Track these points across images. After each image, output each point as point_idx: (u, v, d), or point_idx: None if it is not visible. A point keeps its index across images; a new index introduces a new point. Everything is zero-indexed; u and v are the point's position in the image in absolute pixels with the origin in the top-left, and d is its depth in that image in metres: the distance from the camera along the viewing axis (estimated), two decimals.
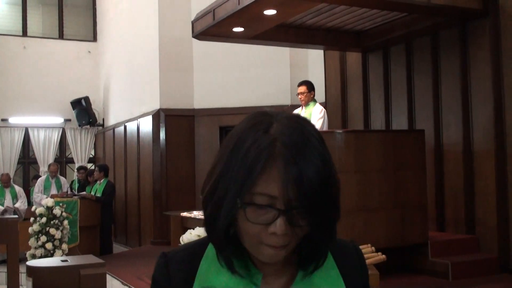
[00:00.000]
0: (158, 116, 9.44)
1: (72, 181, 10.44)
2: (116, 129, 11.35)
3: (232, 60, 9.40)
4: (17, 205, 9.22)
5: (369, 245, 3.82)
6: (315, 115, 6.14)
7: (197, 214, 6.02)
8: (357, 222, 5.31)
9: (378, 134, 5.86)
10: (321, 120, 6.08)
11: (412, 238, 5.55)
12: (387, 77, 7.24)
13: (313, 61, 8.94)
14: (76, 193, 9.03)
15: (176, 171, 9.38)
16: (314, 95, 6.35)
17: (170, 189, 9.31)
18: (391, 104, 7.16)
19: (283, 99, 8.84)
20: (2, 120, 11.94)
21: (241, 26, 6.16)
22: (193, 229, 3.75)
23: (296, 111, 6.46)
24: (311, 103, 6.28)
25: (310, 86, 6.35)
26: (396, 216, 5.43)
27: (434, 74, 6.52)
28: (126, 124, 10.74)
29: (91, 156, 12.77)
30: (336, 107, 7.95)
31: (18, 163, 12.13)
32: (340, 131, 5.71)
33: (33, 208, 7.09)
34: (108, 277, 6.13)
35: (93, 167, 11.59)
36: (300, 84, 6.43)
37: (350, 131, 5.99)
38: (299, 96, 6.32)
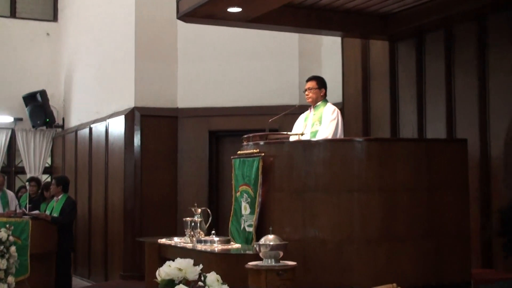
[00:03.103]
0: (132, 117, 9.41)
1: (21, 196, 10.38)
2: (79, 132, 11.32)
3: (226, 49, 9.37)
4: None
5: (394, 284, 3.78)
6: (327, 116, 6.15)
7: (179, 241, 5.98)
8: (380, 254, 5.28)
9: (409, 144, 5.85)
10: (334, 122, 6.09)
11: (449, 276, 5.51)
12: (421, 72, 7.22)
13: (327, 51, 8.92)
14: (27, 211, 8.98)
15: (153, 186, 9.34)
16: (325, 94, 6.41)
17: (145, 209, 9.27)
18: (426, 107, 7.14)
19: (290, 98, 8.81)
20: None
21: (238, 6, 6.15)
22: (173, 260, 3.72)
23: (303, 115, 6.49)
24: (321, 103, 6.32)
25: (320, 82, 6.40)
26: (429, 247, 5.39)
27: (480, 69, 6.51)
28: (92, 125, 10.72)
29: (47, 165, 12.73)
30: (356, 109, 7.93)
31: None
32: (361, 139, 5.69)
33: None
34: None
35: (49, 180, 11.53)
36: (309, 79, 6.48)
37: (373, 140, 5.97)
38: (306, 93, 6.39)
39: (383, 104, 7.63)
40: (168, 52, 9.62)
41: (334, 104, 6.55)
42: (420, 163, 5.49)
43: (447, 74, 6.87)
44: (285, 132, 6.20)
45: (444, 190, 5.58)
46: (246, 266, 4.63)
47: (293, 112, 6.76)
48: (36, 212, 9.02)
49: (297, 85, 8.97)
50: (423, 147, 5.65)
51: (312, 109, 6.42)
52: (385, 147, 5.51)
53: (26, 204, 9.55)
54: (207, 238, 5.68)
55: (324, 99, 6.37)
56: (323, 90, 6.36)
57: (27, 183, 10.37)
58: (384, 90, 7.63)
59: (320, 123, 6.19)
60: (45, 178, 12.48)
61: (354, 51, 8.03)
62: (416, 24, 6.98)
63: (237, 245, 5.60)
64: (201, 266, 3.70)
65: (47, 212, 9.07)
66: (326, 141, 5.71)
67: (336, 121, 6.15)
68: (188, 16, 6.55)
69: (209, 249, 5.38)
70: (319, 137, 6.13)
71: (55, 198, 9.24)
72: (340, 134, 6.21)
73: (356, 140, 5.58)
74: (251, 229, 5.51)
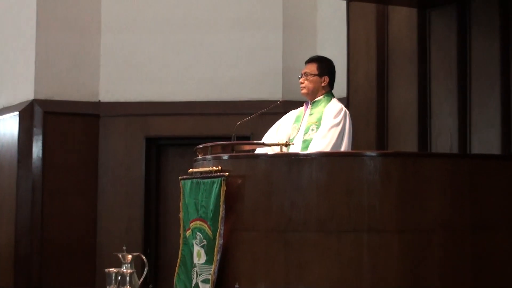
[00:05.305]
0: (30, 114, 9.37)
1: None
2: None
3: (173, 17, 9.41)
4: None
5: None
6: (327, 119, 6.20)
7: None
8: None
9: (445, 161, 5.85)
10: (336, 130, 6.15)
11: None
12: (464, 54, 7.25)
13: (326, 22, 8.96)
14: None
15: (61, 220, 9.31)
16: (329, 84, 6.47)
17: (48, 254, 9.24)
18: (471, 106, 7.16)
19: (269, 90, 8.83)
20: None
21: None
22: None
23: (294, 112, 6.48)
24: (323, 98, 6.39)
25: (323, 66, 6.46)
26: None
27: None
28: None
29: None
30: (367, 109, 7.95)
31: None
32: (373, 153, 5.68)
33: None
34: None
35: None
36: (308, 60, 6.54)
37: (392, 155, 5.98)
38: (300, 80, 6.43)
39: (408, 102, 7.65)
40: (86, 20, 9.61)
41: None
42: (461, 190, 5.50)
43: (503, 57, 6.89)
44: (261, 141, 6.16)
45: (496, 229, 5.60)
46: None
47: (273, 111, 6.75)
48: None
49: (280, 71, 8.99)
50: (466, 166, 5.67)
51: (309, 105, 6.39)
52: (409, 165, 5.50)
53: None
54: None
55: (327, 92, 6.41)
56: (325, 78, 6.40)
57: None
58: (410, 81, 7.65)
59: (318, 128, 6.16)
60: None
61: (366, 22, 8.05)
62: None
63: None
64: None
65: None
66: (321, 155, 5.68)
67: (339, 128, 6.15)
68: None
69: None
70: (311, 150, 6.11)
71: None
72: (346, 149, 6.18)
73: (366, 155, 5.56)
74: (207, 286, 5.47)
